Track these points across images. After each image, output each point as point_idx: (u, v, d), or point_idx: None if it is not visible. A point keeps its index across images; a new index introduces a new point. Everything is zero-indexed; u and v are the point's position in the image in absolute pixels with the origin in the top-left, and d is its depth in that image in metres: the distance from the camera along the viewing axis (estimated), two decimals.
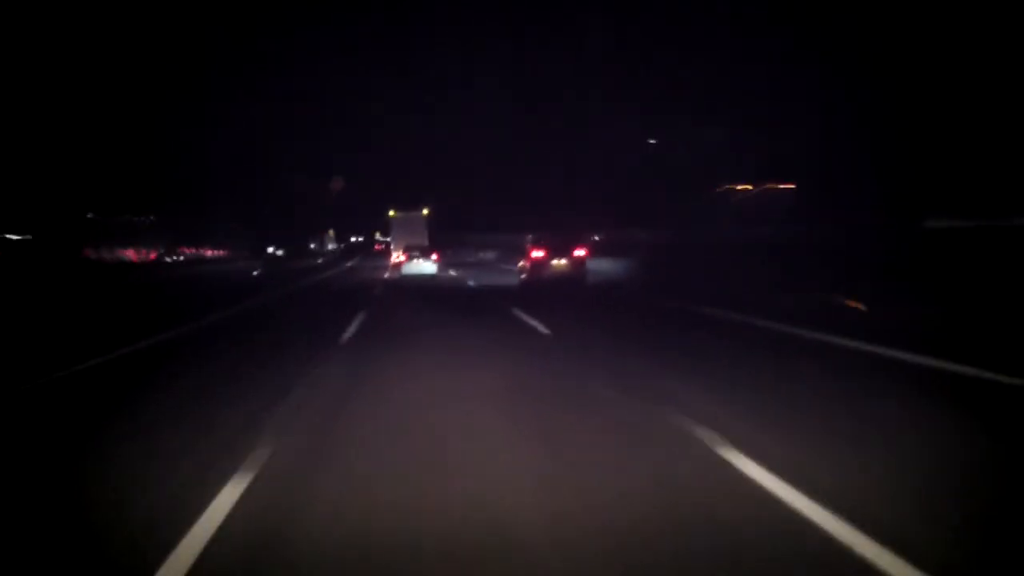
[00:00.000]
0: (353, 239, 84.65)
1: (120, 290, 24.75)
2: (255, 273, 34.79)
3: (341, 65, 79.41)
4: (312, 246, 73.86)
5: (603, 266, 22.98)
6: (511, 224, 35.59)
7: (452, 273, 29.62)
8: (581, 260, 19.72)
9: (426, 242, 36.11)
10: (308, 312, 15.77)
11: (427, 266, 31.21)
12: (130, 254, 51.02)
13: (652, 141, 35.25)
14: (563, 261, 19.63)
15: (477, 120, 53.88)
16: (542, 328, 10.58)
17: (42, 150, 33.14)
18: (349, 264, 49.47)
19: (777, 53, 29.65)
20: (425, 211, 40.25)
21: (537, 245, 20.08)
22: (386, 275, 31.20)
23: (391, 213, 39.61)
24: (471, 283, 24.57)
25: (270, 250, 59.23)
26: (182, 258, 53.89)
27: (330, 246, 79.41)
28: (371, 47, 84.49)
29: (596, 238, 36.02)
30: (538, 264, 19.96)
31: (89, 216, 48.19)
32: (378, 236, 57.55)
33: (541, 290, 18.49)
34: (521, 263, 21.65)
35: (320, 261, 54.55)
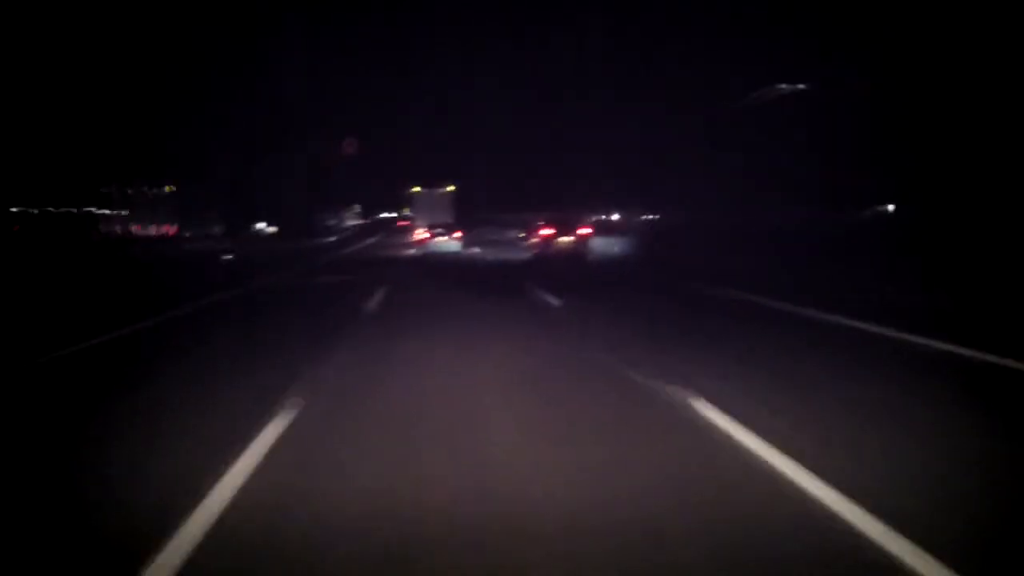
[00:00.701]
0: (383, 215, 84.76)
1: None
2: (225, 258, 25.79)
3: (341, 65, 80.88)
4: (331, 222, 65.31)
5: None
6: (538, 201, 37.51)
7: (477, 251, 29.84)
8: (584, 238, 21.98)
9: (451, 219, 37.83)
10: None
11: (450, 244, 33.13)
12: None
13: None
14: (568, 239, 21.86)
15: (477, 120, 55.47)
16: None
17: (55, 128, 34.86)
18: (363, 244, 43.46)
19: (777, 53, 29.61)
20: (450, 188, 41.65)
21: (546, 224, 22.41)
22: (410, 252, 31.74)
23: (415, 189, 41.27)
24: (489, 259, 26.24)
25: (259, 227, 49.98)
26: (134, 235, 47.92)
27: (350, 222, 73.02)
28: (371, 47, 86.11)
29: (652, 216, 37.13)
30: (546, 241, 22.28)
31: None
32: (406, 212, 59.05)
33: (550, 263, 20.75)
34: (532, 240, 23.99)
35: (333, 239, 47.47)
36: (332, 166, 58.18)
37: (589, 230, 22.43)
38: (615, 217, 37.30)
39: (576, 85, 44.06)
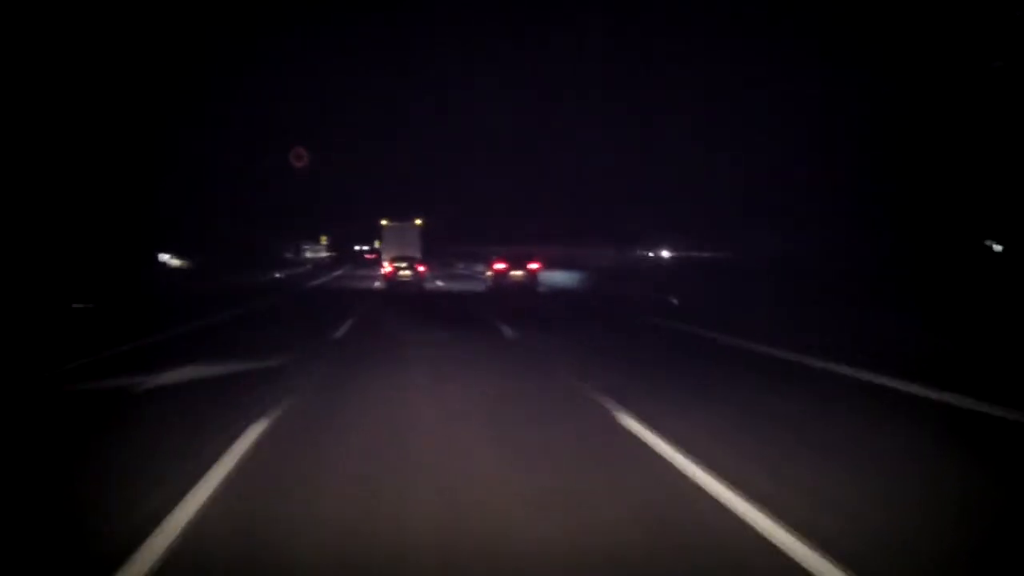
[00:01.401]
0: (357, 248, 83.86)
1: None
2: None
3: (341, 65, 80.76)
4: (288, 254, 62.38)
5: None
6: (511, 236, 38.92)
7: (440, 285, 31.05)
8: (534, 272, 23.92)
9: (417, 254, 38.98)
10: None
11: (414, 278, 34.47)
12: None
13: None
14: (519, 273, 23.75)
15: (477, 121, 55.80)
16: None
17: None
18: (312, 284, 35.98)
19: (778, 54, 29.47)
20: (418, 221, 42.91)
21: (499, 259, 24.33)
22: (375, 284, 32.57)
23: (383, 222, 42.51)
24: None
25: (165, 258, 38.60)
26: None
27: (311, 255, 70.97)
28: (370, 47, 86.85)
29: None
30: (499, 275, 24.15)
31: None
32: (376, 244, 60.04)
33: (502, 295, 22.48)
34: (487, 273, 25.89)
35: (279, 276, 42.14)
36: (284, 185, 51.62)
37: (537, 265, 24.38)
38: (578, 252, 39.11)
39: (576, 85, 44.24)
